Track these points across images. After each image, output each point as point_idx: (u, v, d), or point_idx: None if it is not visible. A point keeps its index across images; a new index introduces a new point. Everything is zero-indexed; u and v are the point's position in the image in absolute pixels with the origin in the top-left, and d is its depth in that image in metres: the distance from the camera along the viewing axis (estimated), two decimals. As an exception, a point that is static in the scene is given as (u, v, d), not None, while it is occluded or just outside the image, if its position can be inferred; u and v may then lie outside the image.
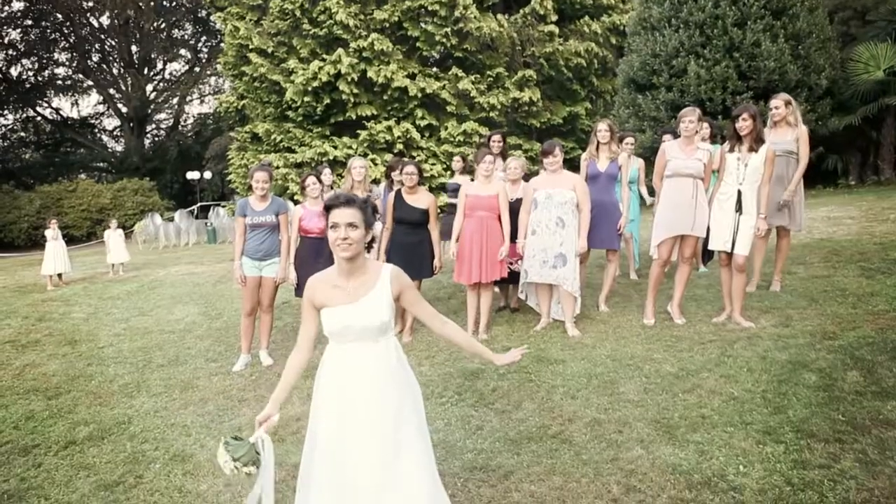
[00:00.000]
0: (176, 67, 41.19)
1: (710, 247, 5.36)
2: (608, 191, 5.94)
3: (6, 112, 36.41)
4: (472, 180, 6.02)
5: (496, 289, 6.47)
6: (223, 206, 25.03)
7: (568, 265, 5.36)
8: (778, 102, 5.87)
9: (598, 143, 5.97)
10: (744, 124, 4.99)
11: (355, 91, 19.34)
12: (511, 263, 5.82)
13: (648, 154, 13.52)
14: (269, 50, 20.06)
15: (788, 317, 5.15)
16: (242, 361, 5.56)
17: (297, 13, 19.48)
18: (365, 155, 18.87)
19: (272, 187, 5.56)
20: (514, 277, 5.93)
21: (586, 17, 20.80)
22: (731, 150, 5.13)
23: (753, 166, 4.98)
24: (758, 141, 4.99)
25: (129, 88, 37.19)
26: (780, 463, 3.01)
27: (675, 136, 5.76)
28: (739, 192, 5.05)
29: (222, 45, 23.68)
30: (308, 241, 5.68)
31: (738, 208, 5.06)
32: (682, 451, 3.23)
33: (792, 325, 4.92)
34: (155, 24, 36.90)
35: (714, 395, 3.83)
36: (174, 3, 37.73)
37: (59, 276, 11.99)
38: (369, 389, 2.35)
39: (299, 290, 5.70)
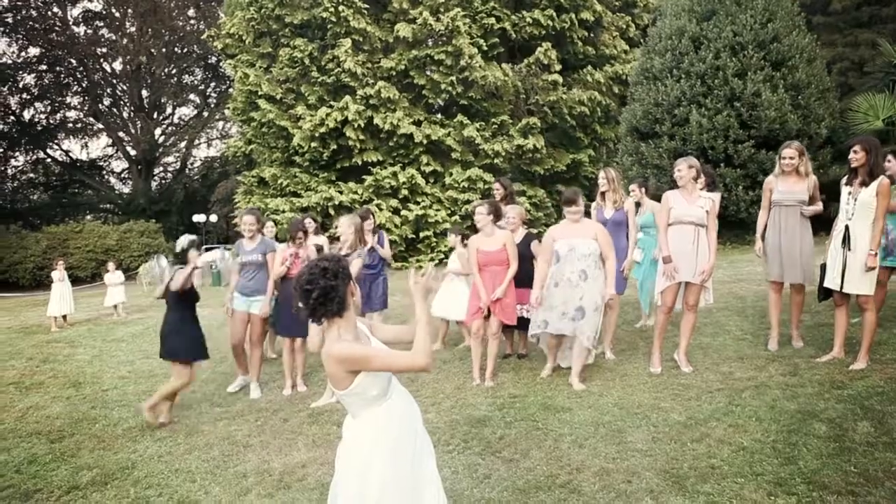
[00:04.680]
0: (185, 112, 42.09)
1: (825, 284, 5.14)
2: (615, 237, 5.98)
3: (17, 154, 37.05)
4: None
5: (502, 336, 6.45)
6: (228, 249, 25.14)
7: (586, 318, 5.22)
8: (792, 152, 5.59)
9: (601, 191, 6.16)
10: (854, 157, 4.80)
11: (361, 137, 19.67)
12: (519, 308, 5.82)
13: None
14: (278, 96, 20.49)
15: (796, 365, 5.12)
16: (238, 383, 6.15)
17: (306, 61, 19.99)
18: (370, 200, 19.09)
19: (259, 228, 6.15)
20: (521, 324, 5.91)
21: (589, 67, 21.31)
22: (848, 182, 4.97)
23: (863, 200, 4.79)
24: (871, 175, 4.77)
25: (139, 132, 37.85)
26: (793, 516, 2.97)
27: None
28: (847, 227, 4.87)
29: (231, 90, 24.21)
30: (289, 282, 5.65)
31: (846, 244, 4.85)
32: (692, 502, 3.19)
33: (800, 373, 4.89)
34: (166, 70, 37.82)
35: (723, 444, 3.79)
36: (185, 50, 38.67)
37: (64, 317, 12.01)
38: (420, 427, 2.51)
39: (283, 329, 5.99)
